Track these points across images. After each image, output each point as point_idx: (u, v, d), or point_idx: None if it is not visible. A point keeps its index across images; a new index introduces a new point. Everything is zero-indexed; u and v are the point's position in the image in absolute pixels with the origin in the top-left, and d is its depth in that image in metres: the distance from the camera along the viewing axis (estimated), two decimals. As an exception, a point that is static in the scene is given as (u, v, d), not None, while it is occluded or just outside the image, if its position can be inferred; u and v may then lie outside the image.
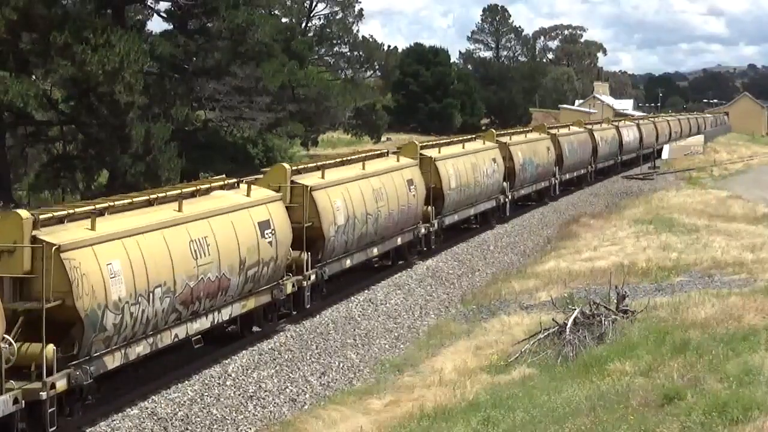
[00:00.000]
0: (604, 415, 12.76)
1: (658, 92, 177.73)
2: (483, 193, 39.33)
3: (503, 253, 37.08)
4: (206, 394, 19.79)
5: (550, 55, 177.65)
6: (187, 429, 18.24)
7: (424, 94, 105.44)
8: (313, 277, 25.16)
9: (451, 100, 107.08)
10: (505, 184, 42.27)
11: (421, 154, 34.03)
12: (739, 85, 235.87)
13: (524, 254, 36.97)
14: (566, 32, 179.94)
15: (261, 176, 25.70)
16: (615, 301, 20.20)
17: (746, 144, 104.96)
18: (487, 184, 39.70)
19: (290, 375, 21.41)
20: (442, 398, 16.57)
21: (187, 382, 20.23)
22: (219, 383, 20.42)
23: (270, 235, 22.62)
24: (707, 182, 59.05)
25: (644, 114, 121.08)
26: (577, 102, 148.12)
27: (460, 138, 42.42)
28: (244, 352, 22.43)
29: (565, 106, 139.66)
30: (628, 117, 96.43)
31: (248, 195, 22.56)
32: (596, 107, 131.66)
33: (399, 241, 30.96)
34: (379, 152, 33.09)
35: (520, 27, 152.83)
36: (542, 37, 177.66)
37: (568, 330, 18.64)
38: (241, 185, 23.10)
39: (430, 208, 33.45)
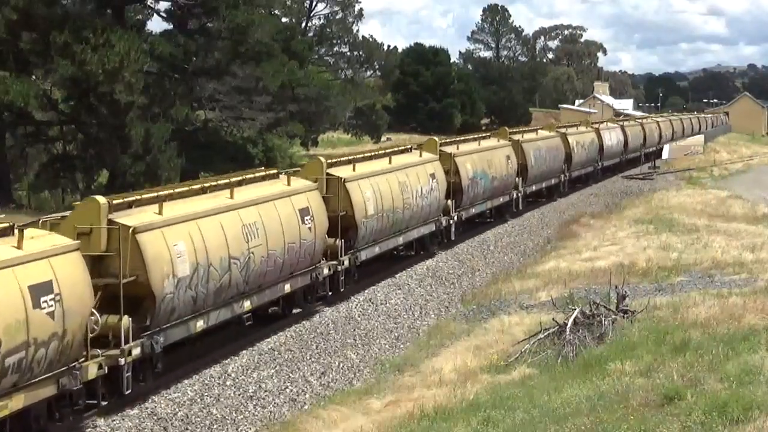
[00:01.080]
0: (604, 415, 12.75)
1: (659, 92, 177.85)
2: (498, 188, 41.34)
3: (503, 252, 37.08)
4: (206, 394, 19.78)
5: (550, 55, 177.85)
6: (187, 429, 18.23)
7: (424, 94, 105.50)
8: (346, 262, 27.15)
9: (451, 100, 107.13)
10: (518, 179, 44.01)
11: (441, 151, 35.98)
12: (739, 85, 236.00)
13: (524, 254, 36.97)
14: (566, 32, 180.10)
15: (299, 169, 28.23)
16: (615, 301, 20.19)
17: (746, 144, 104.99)
18: (502, 177, 41.56)
19: (290, 375, 21.41)
20: (442, 398, 16.55)
21: (187, 382, 20.23)
22: (219, 383, 20.42)
23: (309, 221, 24.56)
24: (707, 182, 59.05)
25: (645, 114, 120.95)
26: (577, 102, 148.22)
27: (476, 135, 44.38)
28: (244, 352, 22.44)
29: (565, 106, 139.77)
30: (617, 118, 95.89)
31: (288, 184, 24.16)
32: (596, 107, 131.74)
33: (422, 231, 33.34)
34: (403, 148, 35.52)
35: (520, 27, 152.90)
36: (542, 37, 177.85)
37: (568, 330, 18.63)
38: (281, 176, 24.66)
39: (450, 201, 35.45)
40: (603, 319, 19.01)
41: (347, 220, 27.25)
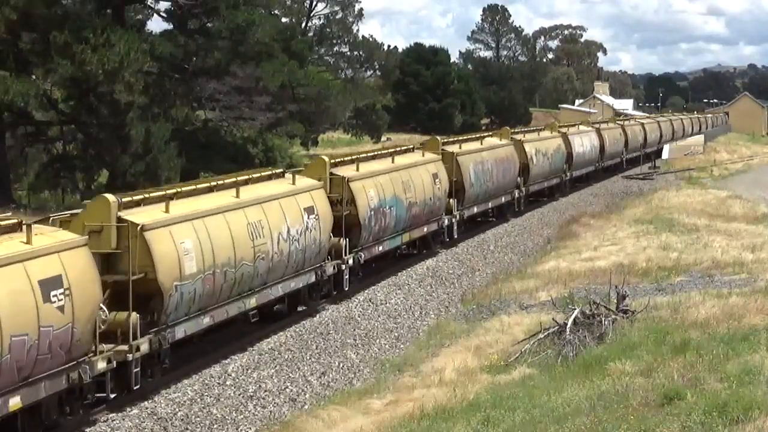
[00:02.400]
0: (604, 415, 12.75)
1: (659, 92, 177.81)
2: (501, 187, 41.65)
3: (503, 252, 37.07)
4: (206, 394, 19.79)
5: (550, 55, 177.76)
6: (187, 429, 18.24)
7: (424, 94, 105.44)
8: (351, 261, 27.57)
9: (451, 100, 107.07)
10: (519, 179, 44.31)
11: (443, 150, 36.42)
12: (739, 85, 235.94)
13: (524, 254, 36.97)
14: (566, 32, 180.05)
15: (303, 168, 29.14)
16: (615, 301, 20.19)
17: (746, 144, 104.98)
18: (505, 176, 42.07)
19: (290, 375, 21.41)
20: (442, 398, 16.55)
21: (187, 382, 20.24)
22: (219, 383, 20.42)
23: (314, 219, 24.97)
24: (707, 182, 59.03)
25: (645, 114, 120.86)
26: (577, 102, 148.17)
27: (478, 135, 44.50)
28: (244, 352, 22.45)
29: (565, 105, 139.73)
30: (618, 117, 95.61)
31: (294, 183, 24.71)
32: (596, 107, 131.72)
33: (425, 230, 33.58)
34: (405, 147, 35.82)
35: (520, 27, 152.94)
36: (542, 37, 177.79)
37: (568, 330, 18.63)
38: (286, 175, 25.20)
39: (452, 200, 35.75)
40: (603, 319, 19.02)
41: (351, 218, 27.73)
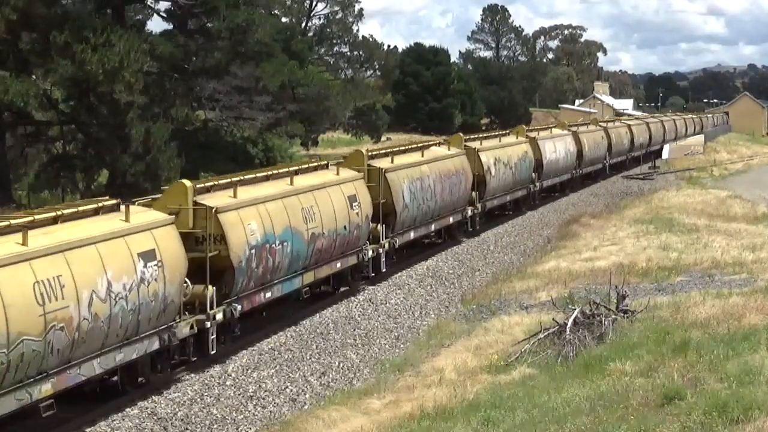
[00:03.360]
0: (604, 415, 12.75)
1: (659, 92, 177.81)
2: (518, 181, 44.32)
3: (503, 252, 37.08)
4: (206, 394, 19.80)
5: (550, 55, 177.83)
6: (187, 429, 18.24)
7: (424, 94, 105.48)
8: (387, 245, 29.92)
9: (451, 100, 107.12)
10: (534, 174, 46.77)
11: (465, 146, 39.29)
12: (739, 84, 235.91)
13: (524, 254, 36.96)
14: (566, 32, 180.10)
15: (343, 160, 30.97)
16: (615, 301, 20.19)
17: (746, 144, 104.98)
18: (521, 172, 44.49)
19: (290, 375, 21.42)
20: (442, 398, 16.55)
21: (187, 382, 20.25)
22: (219, 383, 20.43)
23: (357, 207, 27.53)
24: (707, 182, 59.04)
25: (645, 114, 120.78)
26: (577, 102, 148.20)
27: (497, 133, 47.62)
28: (244, 352, 22.47)
29: (565, 105, 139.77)
30: (619, 117, 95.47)
31: (338, 174, 26.36)
32: (596, 107, 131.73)
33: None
34: (435, 142, 38.26)
35: (520, 27, 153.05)
36: (542, 37, 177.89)
37: (568, 330, 18.63)
38: (330, 166, 26.84)
39: (475, 193, 38.24)
40: (603, 319, 19.01)
41: (387, 207, 30.12)
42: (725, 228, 36.20)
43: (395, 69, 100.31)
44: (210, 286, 20.91)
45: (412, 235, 32.67)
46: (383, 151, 33.02)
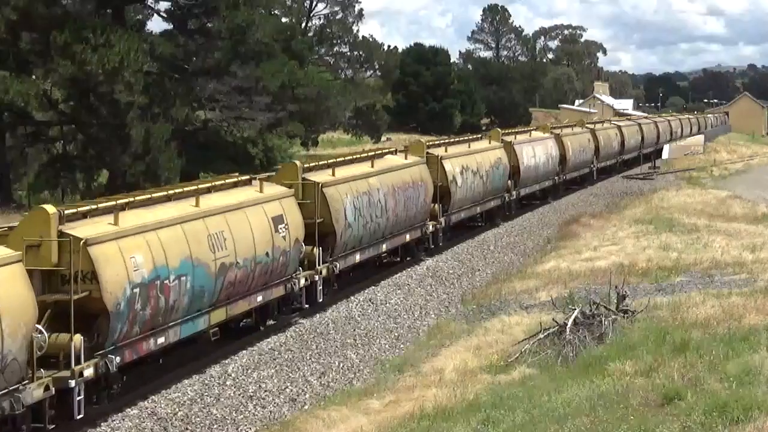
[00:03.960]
0: (604, 415, 12.75)
1: (659, 92, 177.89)
2: (545, 173, 48.63)
3: (503, 252, 37.07)
4: (206, 394, 19.80)
5: (550, 55, 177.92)
6: (187, 429, 18.24)
7: (424, 94, 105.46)
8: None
9: (451, 100, 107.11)
10: (559, 167, 50.91)
11: (503, 139, 43.04)
12: (739, 85, 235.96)
13: (524, 254, 36.95)
14: (566, 32, 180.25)
15: (407, 148, 35.27)
16: (615, 301, 20.18)
17: (746, 144, 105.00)
18: (548, 164, 48.51)
19: (290, 375, 21.42)
20: (442, 398, 16.55)
21: (187, 382, 20.25)
22: (219, 383, 20.43)
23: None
24: (707, 182, 59.05)
25: (645, 114, 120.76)
26: (577, 102, 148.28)
27: (527, 128, 50.88)
28: (243, 352, 22.47)
29: (565, 105, 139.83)
30: (621, 117, 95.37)
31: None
32: (596, 107, 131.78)
33: (407, 237, 32.53)
34: (390, 150, 36.16)
35: (520, 27, 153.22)
36: (542, 37, 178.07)
37: (568, 330, 18.62)
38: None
39: (510, 181, 40.82)
40: (603, 319, 19.00)
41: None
42: (725, 228, 36.20)
43: (395, 69, 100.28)
44: (77, 336, 17.02)
45: (357, 257, 28.27)
46: (324, 162, 28.44)
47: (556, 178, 50.99)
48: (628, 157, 70.73)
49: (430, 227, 33.82)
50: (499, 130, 44.63)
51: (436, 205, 34.25)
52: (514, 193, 43.66)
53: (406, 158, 33.10)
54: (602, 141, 61.65)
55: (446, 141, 39.87)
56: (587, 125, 61.66)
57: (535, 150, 47.01)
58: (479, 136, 44.79)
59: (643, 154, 75.17)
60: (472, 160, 38.16)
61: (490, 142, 42.20)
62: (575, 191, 55.43)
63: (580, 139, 56.52)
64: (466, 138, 43.58)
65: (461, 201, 36.86)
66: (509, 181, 42.86)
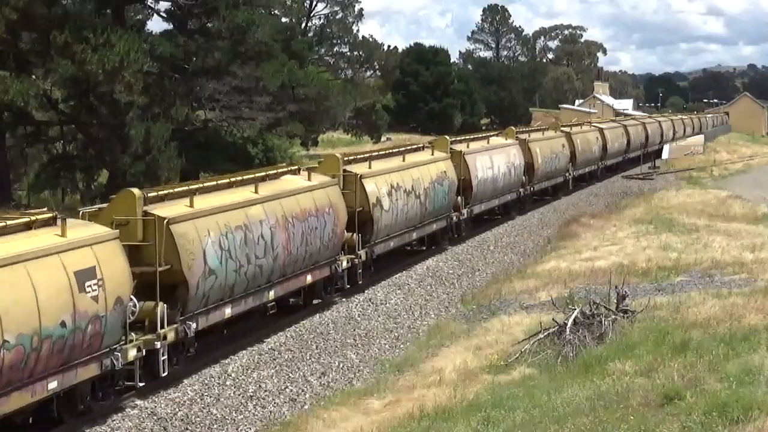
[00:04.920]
0: (604, 415, 12.76)
1: (659, 92, 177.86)
2: (557, 170, 51.42)
3: (503, 252, 37.07)
4: (206, 394, 19.79)
5: (550, 55, 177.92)
6: (187, 429, 18.24)
7: (424, 94, 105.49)
8: (465, 213, 37.80)
9: (451, 100, 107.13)
10: (569, 164, 53.32)
11: (517, 137, 45.94)
12: (739, 85, 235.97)
13: (524, 254, 36.96)
14: (566, 32, 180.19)
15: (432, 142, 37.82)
16: (615, 301, 20.19)
17: (746, 144, 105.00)
18: (560, 161, 51.84)
19: (290, 375, 21.42)
20: (442, 398, 16.56)
21: (187, 382, 20.24)
22: (219, 383, 20.43)
23: (445, 180, 34.95)
24: (707, 182, 59.08)
25: (645, 114, 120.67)
26: (577, 102, 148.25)
27: (538, 127, 51.37)
28: (243, 352, 22.46)
29: (565, 105, 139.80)
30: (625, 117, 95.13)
31: (309, 179, 27.00)
32: (596, 107, 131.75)
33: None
34: (494, 134, 43.57)
35: (520, 27, 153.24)
36: (542, 37, 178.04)
37: (568, 330, 18.63)
38: (302, 172, 27.71)
39: (355, 236, 28.77)
40: (603, 319, 19.02)
41: (465, 183, 37.43)
42: (725, 228, 36.20)
43: (395, 69, 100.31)
44: (161, 304, 19.65)
45: (227, 311, 21.89)
46: (171, 191, 21.40)
47: (521, 190, 45.02)
48: (611, 162, 65.49)
49: (344, 263, 27.44)
50: (447, 138, 38.63)
51: (354, 235, 28.48)
52: (464, 211, 37.58)
53: (309, 179, 26.64)
54: (579, 146, 55.85)
55: (374, 154, 33.01)
56: (562, 128, 55.97)
57: (494, 160, 40.88)
58: (421, 146, 36.93)
59: (629, 158, 70.50)
60: (405, 177, 31.88)
61: (433, 153, 35.60)
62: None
63: (552, 144, 50.66)
64: (400, 149, 36.19)
65: (389, 228, 30.69)
66: (459, 198, 36.91)
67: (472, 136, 43.42)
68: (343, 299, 27.69)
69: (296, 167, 27.99)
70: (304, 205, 25.17)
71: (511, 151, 43.49)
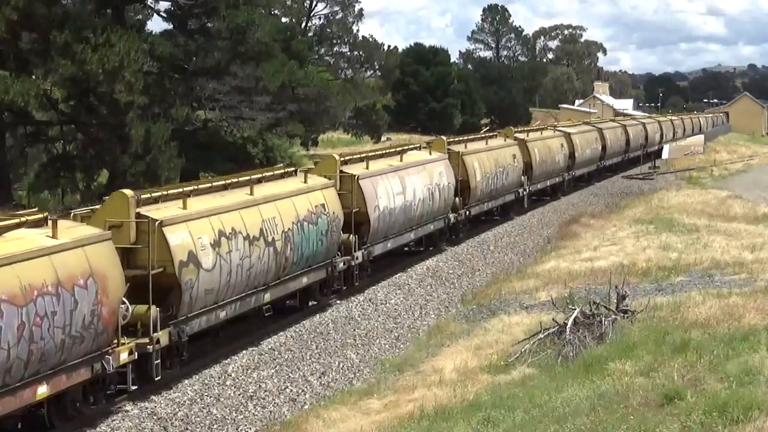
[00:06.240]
0: (604, 415, 12.75)
1: (659, 92, 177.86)
2: (554, 170, 51.27)
3: (503, 252, 37.07)
4: (206, 394, 19.79)
5: (550, 55, 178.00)
6: (187, 429, 18.23)
7: (424, 94, 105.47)
8: (464, 213, 38.00)
9: (451, 100, 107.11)
10: (569, 161, 53.01)
11: (515, 137, 46.24)
12: (739, 85, 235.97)
13: (524, 254, 36.97)
14: (566, 32, 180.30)
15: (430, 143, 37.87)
16: (615, 301, 20.18)
17: (746, 144, 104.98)
18: (559, 161, 51.22)
19: (290, 375, 21.41)
20: (442, 398, 16.55)
21: (187, 382, 20.23)
22: (219, 383, 20.42)
23: (443, 181, 34.78)
24: (707, 182, 59.06)
25: (645, 114, 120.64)
26: (577, 102, 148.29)
27: (535, 127, 51.04)
28: (244, 352, 22.45)
29: (565, 105, 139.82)
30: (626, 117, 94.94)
31: (430, 155, 33.19)
32: (596, 107, 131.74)
33: (507, 198, 42.32)
34: (497, 132, 44.46)
35: (520, 27, 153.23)
36: (542, 37, 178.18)
37: (568, 330, 18.62)
38: (498, 136, 35.57)
39: (524, 177, 42.66)
40: (603, 319, 19.00)
41: (463, 184, 37.10)
42: (725, 228, 36.19)
43: (395, 69, 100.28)
44: (153, 307, 19.05)
45: (222, 314, 21.56)
46: (165, 193, 20.96)
47: (451, 216, 36.04)
48: (582, 172, 56.58)
49: (566, 176, 38.71)
50: (336, 157, 29.07)
51: (351, 236, 27.60)
52: (358, 254, 28.23)
53: (305, 181, 26.02)
54: (537, 156, 47.17)
55: (371, 154, 31.58)
56: (517, 134, 47.09)
57: (406, 182, 31.65)
58: (293, 170, 27.10)
59: (604, 165, 62.33)
60: (253, 218, 22.67)
61: (305, 181, 26.03)
62: (547, 202, 47.80)
63: (497, 156, 41.18)
64: (398, 149, 34.46)
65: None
66: (352, 237, 27.97)
67: (379, 152, 33.83)
68: (343, 300, 27.68)
69: (293, 169, 27.29)
70: (300, 206, 24.63)
71: (437, 169, 34.54)
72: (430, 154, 35.16)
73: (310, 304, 26.37)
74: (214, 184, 22.86)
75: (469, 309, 26.67)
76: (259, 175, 24.76)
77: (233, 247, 21.28)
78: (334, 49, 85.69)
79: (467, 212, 38.03)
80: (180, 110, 48.70)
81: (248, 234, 21.95)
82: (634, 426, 12.05)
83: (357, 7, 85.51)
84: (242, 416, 19.03)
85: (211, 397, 19.67)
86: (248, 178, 24.05)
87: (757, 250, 29.81)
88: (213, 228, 20.66)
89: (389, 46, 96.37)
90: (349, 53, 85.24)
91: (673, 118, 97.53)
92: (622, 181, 63.47)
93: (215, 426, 18.50)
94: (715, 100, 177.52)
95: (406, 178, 31.89)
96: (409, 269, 32.22)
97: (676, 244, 32.29)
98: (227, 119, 52.40)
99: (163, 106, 48.26)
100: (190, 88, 49.94)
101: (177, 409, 18.86)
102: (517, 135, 45.82)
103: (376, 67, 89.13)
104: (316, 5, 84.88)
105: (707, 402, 12.43)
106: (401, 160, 32.81)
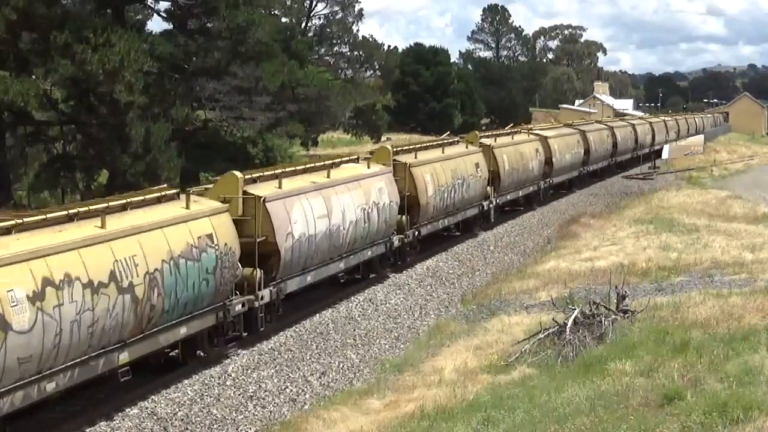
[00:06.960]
0: (604, 415, 12.75)
1: (659, 92, 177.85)
2: (573, 164, 54.54)
3: (503, 252, 37.08)
4: (206, 394, 19.79)
5: (550, 55, 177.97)
6: (187, 429, 18.24)
7: (424, 94, 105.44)
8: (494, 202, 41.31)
9: (451, 100, 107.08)
10: (585, 157, 56.08)
11: (537, 134, 49.28)
12: (739, 85, 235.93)
13: (524, 254, 36.98)
14: (566, 32, 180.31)
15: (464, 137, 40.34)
16: (615, 301, 20.19)
17: (746, 144, 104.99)
18: (574, 158, 54.18)
19: (290, 375, 21.42)
20: (442, 398, 16.56)
21: (187, 382, 20.24)
22: (219, 383, 20.43)
23: (479, 171, 38.61)
24: (707, 182, 59.07)
25: (645, 114, 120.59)
26: (577, 102, 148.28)
27: (551, 125, 52.42)
28: (244, 352, 22.47)
29: (565, 105, 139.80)
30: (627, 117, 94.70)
31: (466, 148, 37.00)
32: (596, 107, 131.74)
33: (523, 191, 45.24)
34: (518, 129, 47.19)
35: (520, 27, 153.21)
36: (542, 37, 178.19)
37: (568, 330, 18.62)
38: (459, 142, 33.42)
39: (490, 188, 40.48)
40: (603, 319, 19.01)
41: (412, 200, 32.49)
42: (725, 228, 36.20)
43: (395, 69, 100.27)
44: (258, 269, 23.44)
45: (308, 278, 25.12)
46: (262, 174, 24.61)
47: (395, 239, 31.13)
48: (561, 179, 52.09)
49: (583, 171, 46.27)
50: (238, 175, 23.46)
51: (404, 217, 29.43)
52: (264, 293, 23.44)
53: (368, 167, 28.42)
54: (506, 164, 42.44)
55: (419, 146, 32.71)
56: (483, 139, 42.17)
57: (332, 203, 26.89)
58: (175, 192, 21.87)
59: (588, 171, 57.61)
60: (598, 135, 30.50)
61: (188, 207, 21.02)
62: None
63: (455, 166, 36.54)
64: (439, 142, 35.00)
65: (594, 159, 35.40)
66: (257, 272, 23.17)
67: (300, 166, 28.50)
68: (343, 300, 27.68)
69: (356, 156, 32.17)
70: (175, 240, 19.98)
71: (376, 184, 29.70)
72: (369, 167, 29.92)
73: (198, 353, 21.65)
74: (297, 168, 27.45)
75: (469, 309, 26.68)
76: (331, 162, 28.88)
77: (316, 220, 25.54)
78: (334, 49, 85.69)
79: (416, 233, 32.78)
80: (180, 110, 48.69)
81: (328, 210, 26.12)
82: (634, 426, 12.05)
83: (357, 7, 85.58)
84: (242, 416, 19.03)
85: (211, 397, 19.68)
86: (323, 164, 28.48)
87: (757, 250, 29.82)
88: (302, 204, 25.06)
89: (389, 46, 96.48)
90: (349, 53, 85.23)
91: (666, 118, 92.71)
92: (621, 181, 63.47)
93: (215, 426, 18.51)
94: (715, 100, 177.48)
95: (332, 198, 26.74)
96: (409, 269, 32.20)
97: (676, 244, 32.29)
98: (227, 119, 52.38)
99: (163, 106, 48.24)
100: (190, 88, 49.92)
101: (177, 409, 18.86)
102: (483, 140, 40.84)
103: (376, 67, 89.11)
104: (316, 5, 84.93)
105: (707, 402, 12.43)
106: (328, 176, 27.47)
